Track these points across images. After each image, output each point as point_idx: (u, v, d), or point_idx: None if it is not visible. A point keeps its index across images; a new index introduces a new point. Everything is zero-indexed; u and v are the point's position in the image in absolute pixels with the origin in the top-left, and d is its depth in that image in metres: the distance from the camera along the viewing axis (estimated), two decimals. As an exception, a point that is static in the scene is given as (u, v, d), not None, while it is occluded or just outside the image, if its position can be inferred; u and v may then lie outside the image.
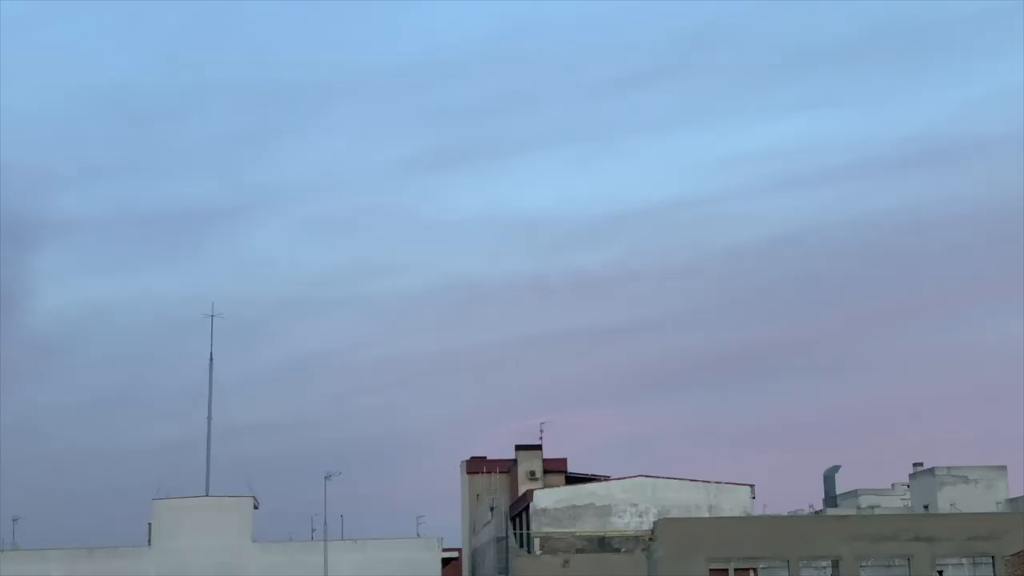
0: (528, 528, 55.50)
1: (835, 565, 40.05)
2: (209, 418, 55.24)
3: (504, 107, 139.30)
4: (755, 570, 39.96)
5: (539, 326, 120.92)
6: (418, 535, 52.47)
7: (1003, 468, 60.93)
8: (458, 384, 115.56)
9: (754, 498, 55.80)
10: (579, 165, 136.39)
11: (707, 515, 53.30)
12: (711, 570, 39.78)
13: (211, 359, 56.17)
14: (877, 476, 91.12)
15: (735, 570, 39.80)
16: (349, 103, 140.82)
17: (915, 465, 64.37)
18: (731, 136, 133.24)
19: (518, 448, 65.46)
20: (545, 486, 60.29)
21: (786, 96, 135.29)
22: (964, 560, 39.97)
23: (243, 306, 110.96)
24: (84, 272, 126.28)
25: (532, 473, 63.30)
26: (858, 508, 64.03)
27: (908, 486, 65.18)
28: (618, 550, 53.38)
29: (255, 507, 53.44)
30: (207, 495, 54.09)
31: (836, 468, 65.83)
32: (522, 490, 60.84)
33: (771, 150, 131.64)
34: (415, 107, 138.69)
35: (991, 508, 58.52)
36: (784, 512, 62.92)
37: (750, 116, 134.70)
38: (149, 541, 52.56)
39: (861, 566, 40.01)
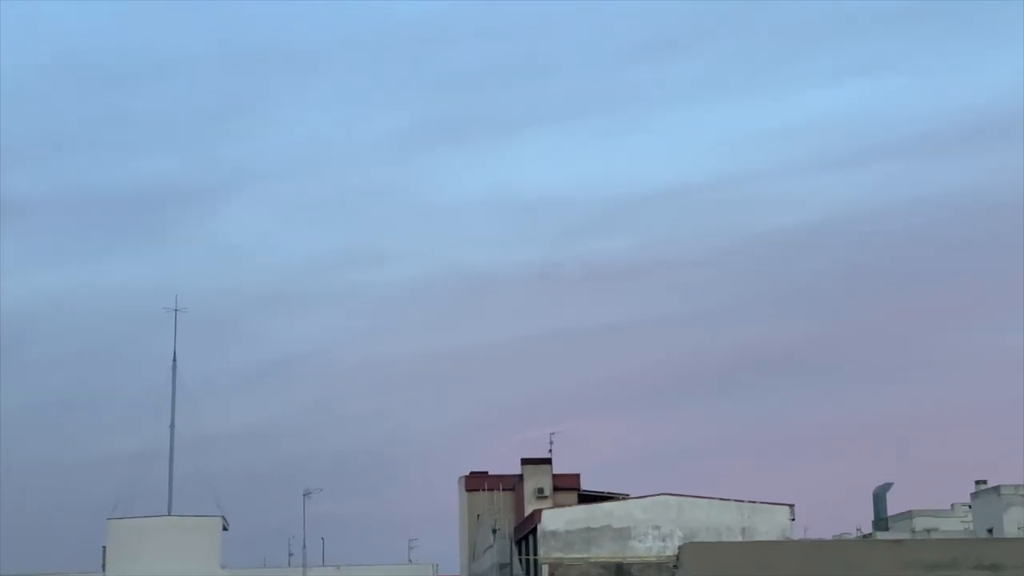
0: (535, 553, 55.57)
1: (886, 596, 40.12)
2: (172, 426, 55.86)
3: (511, 75, 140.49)
4: (794, 601, 40.17)
5: (549, 323, 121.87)
6: (410, 560, 53.36)
7: (1080, 486, 60.96)
8: (456, 389, 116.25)
9: (793, 520, 55.90)
10: (596, 141, 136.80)
11: (740, 539, 53.34)
12: (744, 601, 40.00)
13: (175, 359, 56.63)
14: (934, 495, 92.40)
15: (772, 601, 40.05)
16: (335, 70, 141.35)
17: (978, 483, 64.52)
18: (769, 108, 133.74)
19: (524, 462, 65.53)
20: (555, 505, 60.34)
21: (833, 62, 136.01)
22: (1034, 591, 39.98)
23: (213, 299, 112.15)
24: (32, 260, 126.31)
25: (540, 490, 63.42)
26: (912, 532, 64.25)
27: (970, 507, 65.37)
28: (638, 578, 53.54)
29: (224, 528, 53.77)
30: (170, 514, 54.44)
31: (887, 486, 66.01)
32: (528, 510, 60.98)
33: (815, 123, 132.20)
34: (410, 75, 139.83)
35: (1065, 532, 58.58)
36: (828, 536, 63.90)
37: (791, 85, 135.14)
38: (103, 566, 52.52)
39: (916, 597, 40.04)
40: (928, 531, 63.89)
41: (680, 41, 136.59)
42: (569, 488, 64.10)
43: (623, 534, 54.98)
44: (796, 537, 54.79)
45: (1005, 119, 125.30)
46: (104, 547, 52.64)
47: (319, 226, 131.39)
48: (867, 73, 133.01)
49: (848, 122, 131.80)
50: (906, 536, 60.96)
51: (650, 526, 55.07)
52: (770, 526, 54.86)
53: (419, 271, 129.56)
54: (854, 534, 66.74)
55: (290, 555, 54.26)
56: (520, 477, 65.77)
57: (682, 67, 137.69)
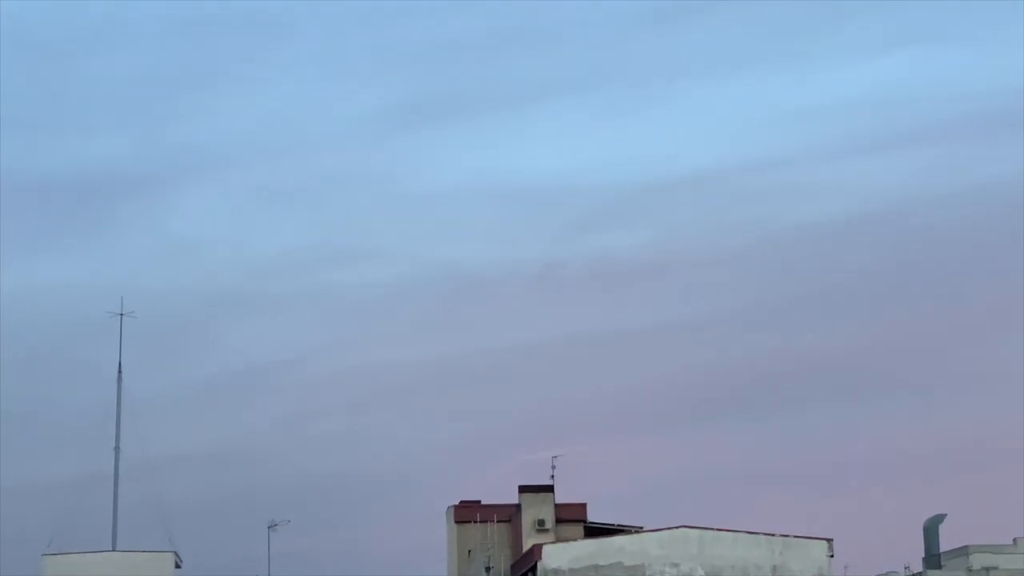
0: (535, 594, 55.56)
1: (941, 645, 39.76)
2: (117, 448, 55.92)
3: (506, 44, 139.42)
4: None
5: (551, 330, 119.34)
6: (391, 603, 52.32)
7: None
8: (445, 405, 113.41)
9: (832, 556, 55.78)
10: (604, 120, 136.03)
11: (771, 578, 53.31)
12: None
13: (120, 371, 56.44)
14: (993, 528, 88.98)
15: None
16: (306, 39, 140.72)
17: None
18: (805, 82, 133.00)
19: (522, 489, 65.41)
20: (558, 540, 60.18)
21: (876, 30, 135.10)
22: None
23: (165, 302, 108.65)
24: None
25: (541, 523, 63.29)
26: (969, 570, 63.50)
27: (1035, 542, 65.02)
28: (654, 624, 53.56)
29: (177, 565, 53.81)
30: (114, 549, 54.24)
31: (940, 518, 65.53)
32: (527, 544, 60.77)
33: (857, 100, 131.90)
34: (391, 44, 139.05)
35: None
36: (872, 574, 63.22)
37: (830, 56, 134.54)
38: (38, 608, 52.51)
39: (975, 646, 39.80)
40: (987, 570, 63.26)
41: (702, 5, 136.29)
42: (574, 520, 64.02)
43: (636, 572, 54.95)
44: (836, 575, 54.58)
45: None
46: (39, 586, 52.43)
47: (287, 218, 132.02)
48: (915, 43, 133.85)
49: (893, 99, 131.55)
50: (961, 575, 60.68)
51: (667, 563, 55.08)
52: (805, 563, 55.04)
53: (402, 270, 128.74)
54: (902, 572, 66.00)
55: (252, 596, 53.90)
56: (517, 507, 65.59)
57: (704, 35, 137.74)
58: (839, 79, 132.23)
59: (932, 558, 64.58)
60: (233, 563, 73.46)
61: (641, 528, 59.24)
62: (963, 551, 67.32)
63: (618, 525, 62.92)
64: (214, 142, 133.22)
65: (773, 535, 55.70)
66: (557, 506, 64.28)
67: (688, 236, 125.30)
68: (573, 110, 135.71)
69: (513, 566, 63.27)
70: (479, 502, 70.10)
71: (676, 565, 54.98)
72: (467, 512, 69.40)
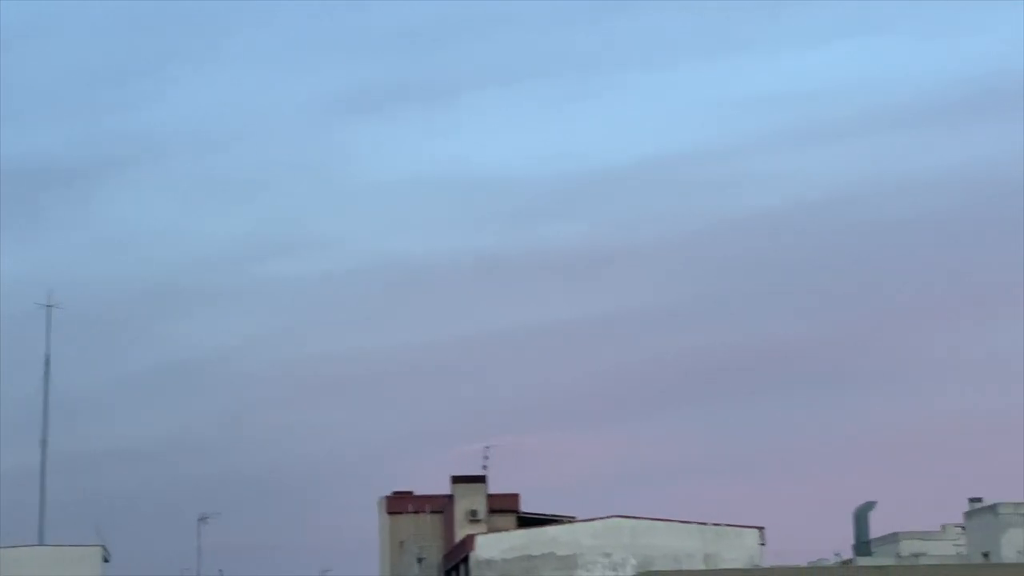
0: (468, 585, 55.63)
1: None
2: (44, 442, 55.51)
3: (450, 34, 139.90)
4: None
5: (491, 322, 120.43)
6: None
7: (1087, 504, 61.48)
8: (381, 397, 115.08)
9: (764, 544, 56.05)
10: (547, 110, 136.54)
11: (702, 567, 53.34)
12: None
13: (47, 363, 55.98)
14: (923, 515, 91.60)
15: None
16: (244, 29, 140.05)
17: (972, 501, 64.75)
18: (745, 73, 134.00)
19: (455, 480, 65.71)
20: (491, 530, 60.30)
21: (823, 19, 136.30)
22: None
23: (97, 294, 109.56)
24: None
25: (473, 513, 63.60)
26: (898, 556, 64.71)
27: (963, 528, 65.65)
28: (587, 613, 53.45)
29: (105, 559, 52.84)
30: (42, 544, 53.78)
31: (870, 505, 66.19)
32: (460, 535, 60.92)
33: (803, 90, 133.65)
34: (331, 35, 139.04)
35: (1071, 555, 58.96)
36: (803, 562, 63.11)
37: (769, 46, 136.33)
38: (-37, 605, 52.20)
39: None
40: (916, 556, 64.26)
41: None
42: (507, 510, 64.56)
43: (569, 562, 54.98)
44: (766, 564, 54.56)
45: (1017, 85, 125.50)
46: (-35, 582, 52.34)
47: (225, 210, 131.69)
48: (860, 33, 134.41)
49: (838, 89, 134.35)
50: (891, 562, 60.99)
51: (600, 553, 55.09)
52: (737, 552, 55.11)
53: (341, 262, 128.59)
54: (832, 560, 66.96)
55: (183, 589, 53.69)
56: (450, 498, 65.93)
57: (645, 26, 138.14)
58: (778, 69, 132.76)
59: (862, 545, 65.27)
60: (163, 556, 74.23)
61: (574, 518, 59.39)
62: (893, 538, 68.63)
63: (551, 515, 63.25)
64: (151, 133, 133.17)
65: (705, 524, 55.93)
66: (490, 497, 64.67)
67: (630, 227, 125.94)
68: (516, 101, 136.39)
69: (445, 557, 63.52)
70: (411, 493, 70.39)
71: (609, 555, 55.01)
72: (399, 503, 69.80)
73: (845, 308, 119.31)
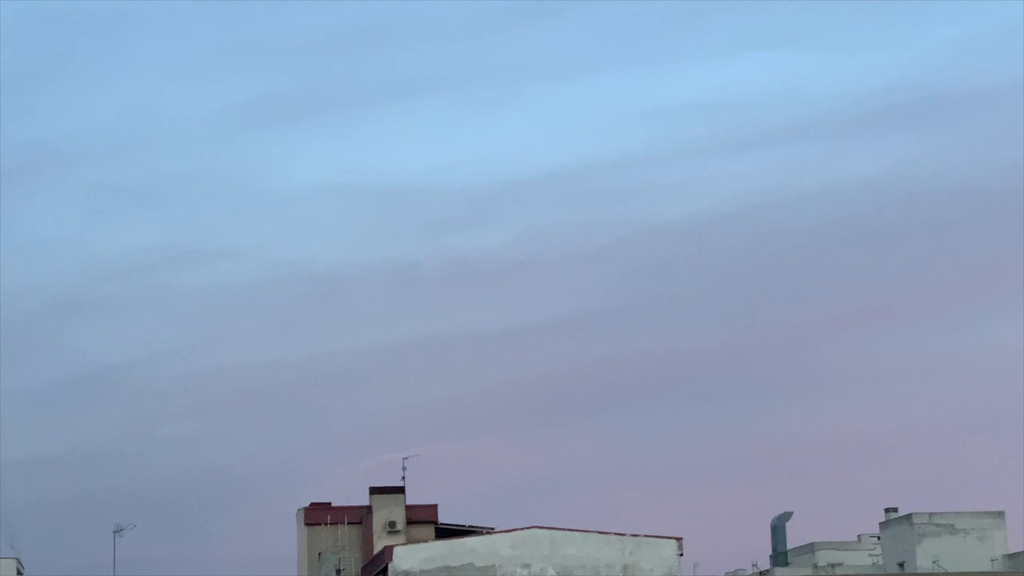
0: (386, 596, 55.82)
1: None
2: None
3: (362, 41, 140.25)
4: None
5: (406, 331, 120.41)
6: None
7: (1000, 515, 61.95)
8: (296, 408, 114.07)
9: (682, 555, 56.33)
10: (461, 119, 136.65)
11: (621, 577, 53.80)
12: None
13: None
14: (839, 525, 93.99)
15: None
16: (154, 34, 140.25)
17: (888, 511, 65.42)
18: (662, 83, 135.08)
19: (373, 491, 65.76)
20: (409, 541, 60.54)
21: (731, 32, 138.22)
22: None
23: (5, 304, 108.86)
24: None
25: (392, 524, 63.78)
26: (815, 567, 65.03)
27: (879, 538, 66.17)
28: (505, 624, 53.87)
29: (19, 572, 53.01)
30: (-50, 556, 53.01)
31: (787, 515, 66.76)
32: (378, 546, 60.85)
33: (714, 101, 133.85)
34: (243, 40, 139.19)
35: (985, 566, 59.51)
36: (721, 572, 64.58)
37: (687, 57, 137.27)
38: None
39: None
40: (832, 566, 64.63)
41: (559, 5, 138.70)
42: (425, 521, 64.70)
43: (487, 573, 55.09)
44: (685, 574, 55.75)
45: (923, 98, 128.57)
46: None
47: (134, 218, 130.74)
48: (769, 46, 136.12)
49: (748, 101, 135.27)
50: (808, 572, 62.08)
51: (519, 564, 55.25)
52: (656, 562, 55.40)
53: (252, 271, 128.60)
54: (750, 570, 67.22)
55: (98, 602, 53.38)
56: (368, 509, 65.82)
57: (561, 35, 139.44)
58: (696, 80, 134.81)
59: (779, 555, 65.79)
60: (78, 568, 74.03)
61: (493, 529, 59.63)
62: (809, 548, 69.02)
63: (469, 526, 63.36)
64: (56, 140, 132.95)
65: (623, 535, 56.14)
66: (408, 507, 64.77)
67: (545, 237, 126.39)
68: (429, 109, 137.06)
69: (364, 568, 63.28)
70: (330, 504, 69.97)
71: (528, 565, 55.19)
72: (317, 514, 69.30)
73: (760, 317, 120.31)
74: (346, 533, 66.58)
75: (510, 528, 57.07)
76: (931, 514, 61.44)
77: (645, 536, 56.16)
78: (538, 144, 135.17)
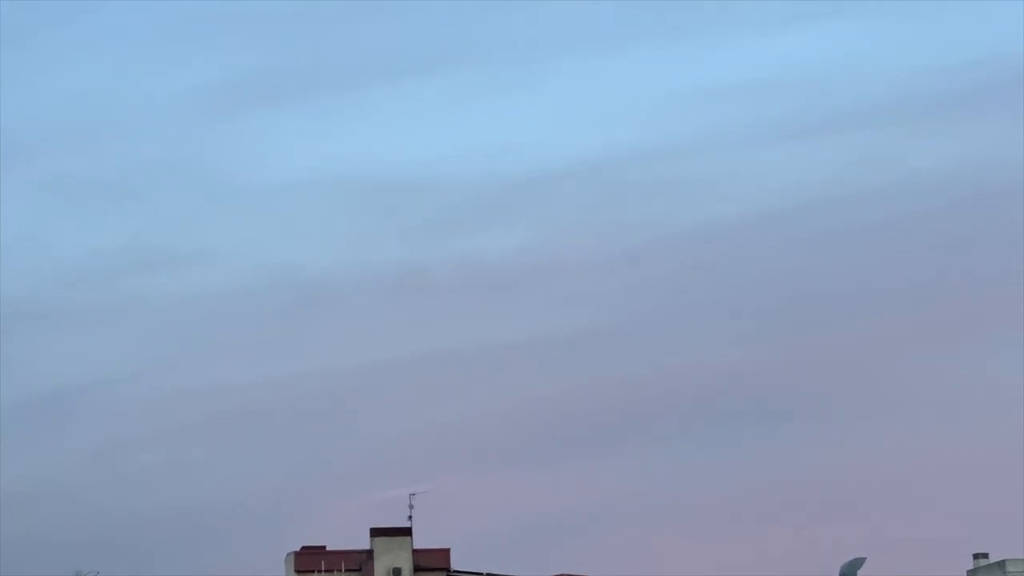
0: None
1: None
2: None
3: (361, 10, 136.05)
4: None
5: (411, 345, 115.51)
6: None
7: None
8: (284, 434, 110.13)
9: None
10: (477, 101, 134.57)
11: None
12: None
13: None
14: (920, 572, 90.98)
15: None
16: (116, 8, 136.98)
17: (976, 557, 65.46)
18: (704, 60, 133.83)
19: (375, 533, 65.81)
20: (417, 591, 60.55)
21: (786, 1, 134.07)
22: None
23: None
24: None
25: (397, 571, 64.06)
26: (892, 620, 64.50)
27: (967, 587, 66.04)
28: None
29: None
30: None
31: (859, 562, 64.05)
32: (381, 598, 61.02)
33: (765, 81, 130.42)
34: (219, 15, 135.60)
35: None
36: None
37: (733, 30, 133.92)
38: None
39: None
40: (913, 618, 64.47)
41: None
42: (436, 568, 65.15)
43: (509, 629, 56.21)
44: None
45: (1008, 77, 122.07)
46: None
47: (95, 216, 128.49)
48: (827, 16, 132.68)
49: (803, 81, 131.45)
50: (885, 625, 60.98)
51: (545, 617, 56.68)
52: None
53: (233, 276, 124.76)
54: (813, 625, 66.67)
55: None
56: (369, 553, 65.92)
57: (589, 7, 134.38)
58: (744, 56, 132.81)
59: (850, 607, 64.76)
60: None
61: None
62: (887, 599, 67.86)
63: (487, 573, 64.87)
64: (4, 127, 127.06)
65: None
66: (416, 552, 65.28)
67: (570, 237, 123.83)
68: (437, 89, 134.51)
69: (365, 623, 63.24)
70: (324, 548, 69.65)
71: (555, 619, 56.00)
72: (310, 559, 68.83)
73: (818, 330, 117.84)
74: (343, 582, 66.58)
75: (534, 575, 59.05)
76: (1028, 560, 61.60)
77: (692, 582, 56.31)
78: (562, 131, 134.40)
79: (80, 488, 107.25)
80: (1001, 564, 61.93)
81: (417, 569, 64.59)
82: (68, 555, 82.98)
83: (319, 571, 67.55)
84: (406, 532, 65.45)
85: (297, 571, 68.60)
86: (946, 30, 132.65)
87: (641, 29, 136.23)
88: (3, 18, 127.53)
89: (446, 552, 65.91)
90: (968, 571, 65.02)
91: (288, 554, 70.12)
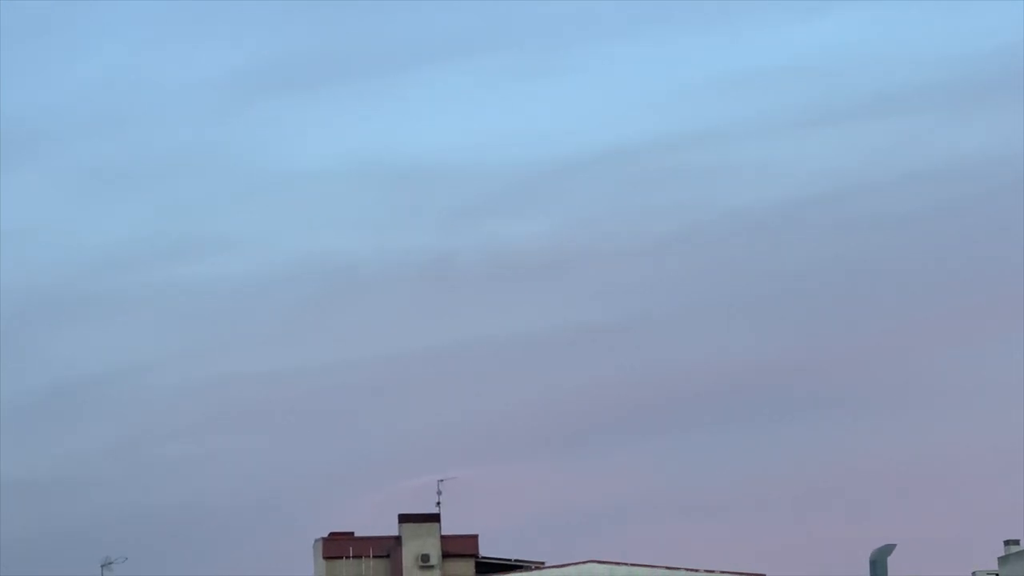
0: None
1: None
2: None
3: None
4: None
5: (438, 334, 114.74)
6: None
7: None
8: (311, 423, 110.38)
9: (766, 594, 56.87)
10: (502, 87, 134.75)
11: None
12: None
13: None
14: (950, 559, 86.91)
15: None
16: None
17: (1008, 543, 65.53)
18: (739, 43, 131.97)
19: (403, 519, 66.07)
20: (445, 577, 60.54)
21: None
22: None
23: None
24: None
25: (425, 558, 64.14)
26: (921, 608, 65.37)
27: (997, 575, 65.97)
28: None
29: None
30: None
31: (889, 548, 65.39)
32: (409, 584, 61.27)
33: (797, 65, 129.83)
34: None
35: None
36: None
37: (764, 13, 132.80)
38: None
39: None
40: (942, 607, 64.43)
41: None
42: (464, 555, 65.35)
43: (536, 614, 56.19)
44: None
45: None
46: None
47: (120, 204, 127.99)
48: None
49: (839, 65, 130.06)
50: (914, 614, 61.65)
51: (573, 605, 56.32)
52: (734, 603, 56.62)
53: (260, 263, 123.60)
54: (843, 612, 67.15)
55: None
56: (397, 540, 66.11)
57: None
58: (776, 40, 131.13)
59: (880, 595, 65.23)
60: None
61: (542, 564, 61.09)
62: (916, 586, 68.14)
63: (515, 560, 64.41)
64: (25, 115, 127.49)
65: (696, 571, 57.09)
66: (444, 538, 65.25)
67: (600, 225, 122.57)
68: (467, 74, 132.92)
69: (392, 609, 63.39)
70: (352, 534, 70.15)
71: (584, 605, 55.63)
72: (338, 546, 69.35)
73: (852, 322, 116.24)
74: (371, 568, 67.14)
75: (562, 563, 58.57)
76: (1059, 547, 61.26)
77: (722, 573, 57.03)
78: (591, 118, 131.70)
79: (106, 477, 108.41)
80: (1032, 550, 61.64)
81: (445, 556, 64.67)
82: (95, 545, 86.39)
83: (347, 557, 68.06)
84: (435, 519, 65.71)
85: (325, 557, 68.98)
86: (985, 11, 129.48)
87: (671, 14, 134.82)
88: (27, 4, 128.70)
89: (474, 539, 66.06)
90: (999, 558, 64.83)
91: (316, 540, 70.59)
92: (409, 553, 64.34)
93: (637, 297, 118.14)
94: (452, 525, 65.99)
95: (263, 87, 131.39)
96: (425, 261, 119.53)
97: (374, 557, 67.63)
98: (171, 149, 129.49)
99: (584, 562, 57.25)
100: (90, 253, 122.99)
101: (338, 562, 68.73)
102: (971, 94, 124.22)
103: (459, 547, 65.41)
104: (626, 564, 57.38)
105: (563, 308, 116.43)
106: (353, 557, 67.83)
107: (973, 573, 70.25)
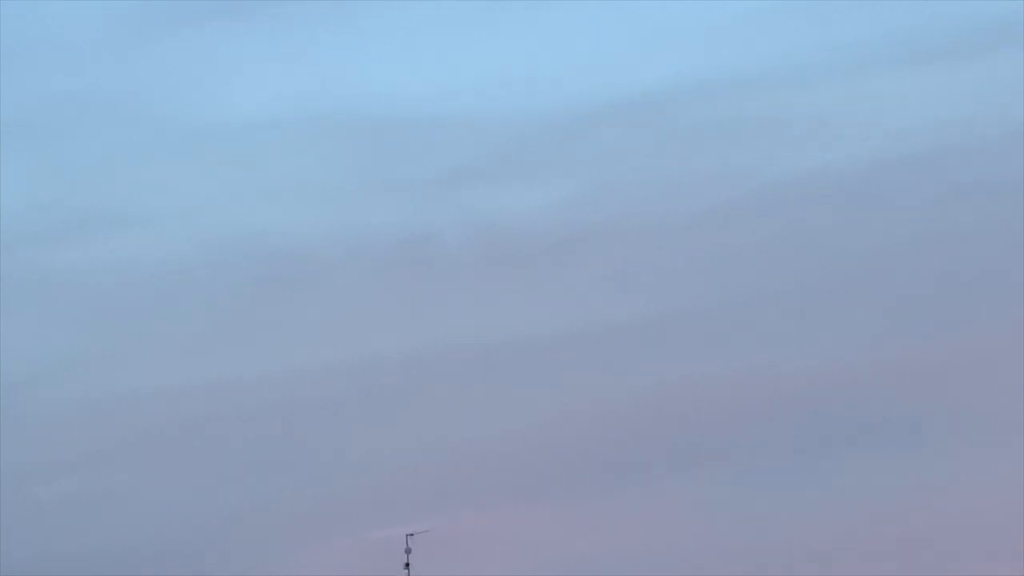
0: None
1: None
2: None
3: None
4: None
5: (412, 336, 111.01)
6: None
7: None
8: (247, 452, 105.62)
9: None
10: (495, 17, 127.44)
11: None
12: None
13: None
14: None
15: None
16: None
17: None
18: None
19: None
20: (418, 648, 59.11)
21: None
22: None
23: None
24: None
25: None
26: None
27: None
28: None
29: None
30: None
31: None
32: (373, 661, 55.46)
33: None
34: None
35: None
36: None
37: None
38: None
39: None
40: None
41: None
42: None
43: None
44: None
45: None
46: None
47: (15, 166, 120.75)
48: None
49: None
50: None
51: None
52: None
53: (178, 245, 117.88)
54: None
55: None
56: None
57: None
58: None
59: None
60: None
61: None
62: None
63: None
64: None
65: None
66: None
67: (619, 195, 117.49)
68: (446, 4, 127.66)
69: None
70: None
71: None
72: None
73: (946, 319, 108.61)
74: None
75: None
76: None
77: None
78: (608, 55, 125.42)
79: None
80: None
81: (415, 629, 62.11)
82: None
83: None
84: (401, 583, 65.34)
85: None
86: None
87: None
88: None
89: (453, 606, 63.58)
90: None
91: (263, 604, 64.22)
92: (372, 620, 57.80)
93: (667, 288, 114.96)
94: (422, 587, 64.91)
95: (181, 17, 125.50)
96: (396, 243, 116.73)
97: (329, 630, 64.02)
98: (61, 96, 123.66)
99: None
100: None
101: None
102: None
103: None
104: (650, 642, 43.97)
105: (572, 302, 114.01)
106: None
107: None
